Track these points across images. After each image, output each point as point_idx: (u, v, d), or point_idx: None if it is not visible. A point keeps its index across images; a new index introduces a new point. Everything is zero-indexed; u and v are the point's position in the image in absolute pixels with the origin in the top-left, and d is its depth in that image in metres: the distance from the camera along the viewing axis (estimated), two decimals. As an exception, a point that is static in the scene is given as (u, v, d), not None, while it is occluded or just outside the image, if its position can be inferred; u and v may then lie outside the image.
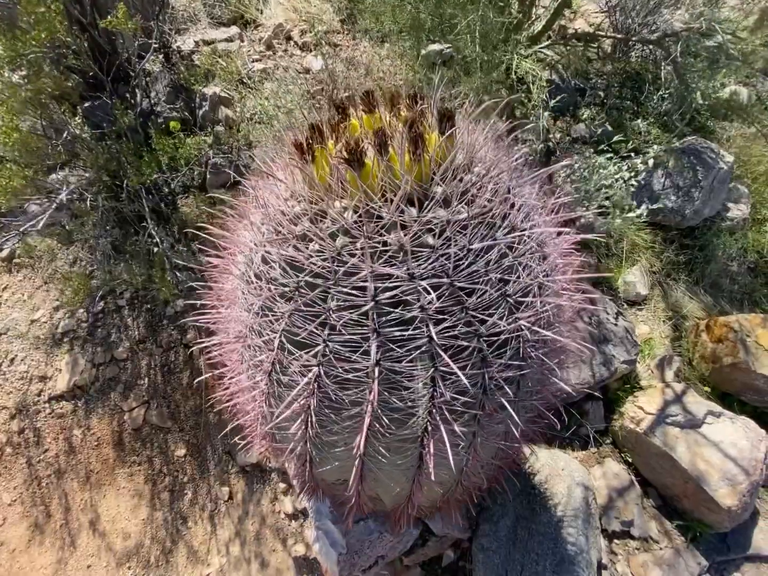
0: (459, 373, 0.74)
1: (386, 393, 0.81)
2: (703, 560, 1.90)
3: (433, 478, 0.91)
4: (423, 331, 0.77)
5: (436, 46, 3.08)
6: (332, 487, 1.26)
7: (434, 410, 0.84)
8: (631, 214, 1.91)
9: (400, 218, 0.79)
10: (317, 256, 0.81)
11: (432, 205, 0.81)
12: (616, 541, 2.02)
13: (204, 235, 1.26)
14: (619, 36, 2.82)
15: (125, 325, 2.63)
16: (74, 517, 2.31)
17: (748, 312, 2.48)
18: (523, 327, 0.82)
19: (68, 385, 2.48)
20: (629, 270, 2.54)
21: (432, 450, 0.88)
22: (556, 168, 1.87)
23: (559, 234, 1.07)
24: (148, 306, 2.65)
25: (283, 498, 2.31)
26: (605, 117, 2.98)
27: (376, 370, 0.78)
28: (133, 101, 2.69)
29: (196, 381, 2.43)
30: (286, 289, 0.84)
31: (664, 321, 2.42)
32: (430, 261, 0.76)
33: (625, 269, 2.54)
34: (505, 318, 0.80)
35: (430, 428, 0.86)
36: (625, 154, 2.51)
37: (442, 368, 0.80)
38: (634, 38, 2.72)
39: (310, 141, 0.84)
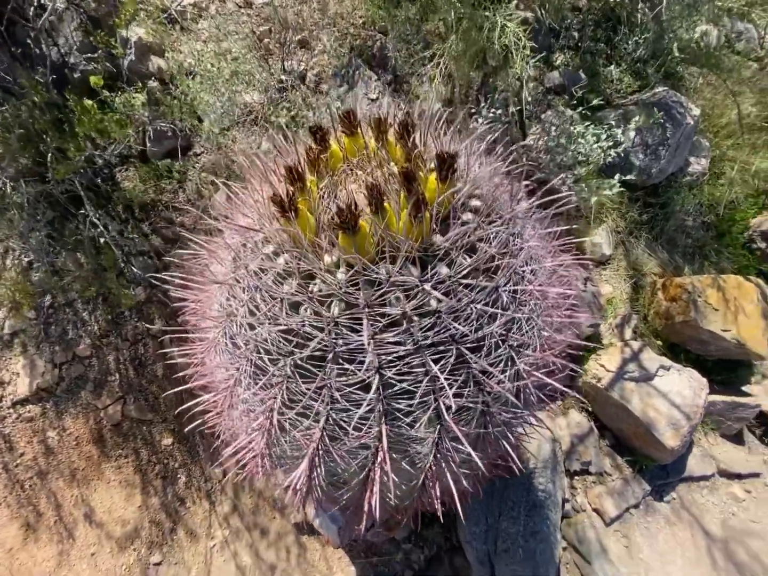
0: (463, 441, 0.73)
1: (394, 455, 0.79)
2: (646, 486, 2.23)
3: (436, 495, 0.95)
4: (430, 398, 0.74)
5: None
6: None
7: (439, 455, 0.84)
8: (607, 192, 1.88)
9: (401, 280, 0.71)
10: (311, 324, 0.73)
11: (435, 263, 0.73)
12: (576, 477, 2.31)
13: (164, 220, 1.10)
14: (598, -32, 2.55)
15: (81, 320, 2.41)
16: (67, 512, 2.30)
17: (698, 265, 2.65)
18: (523, 374, 0.81)
19: (30, 388, 2.31)
20: (596, 231, 2.58)
21: (434, 480, 0.90)
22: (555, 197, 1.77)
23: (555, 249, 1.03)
24: (104, 297, 2.42)
25: (278, 470, 2.40)
26: (579, 63, 2.80)
27: (384, 440, 0.75)
28: (38, 51, 2.18)
29: (167, 392, 2.33)
30: (279, 360, 0.76)
31: (625, 279, 2.53)
32: (436, 329, 0.71)
33: (592, 230, 2.58)
34: (508, 370, 0.78)
35: (434, 467, 0.88)
36: (599, 111, 2.41)
37: (448, 420, 0.79)
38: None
39: (291, 194, 0.70)
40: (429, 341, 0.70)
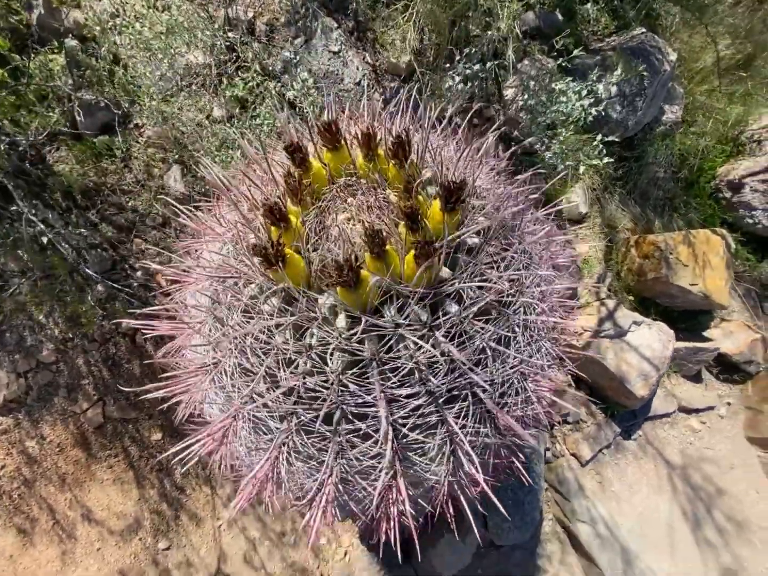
0: (478, 475, 0.72)
1: (409, 490, 0.78)
2: (617, 428, 2.43)
3: (449, 511, 0.97)
4: (446, 440, 0.71)
5: None
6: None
7: (453, 481, 0.84)
8: (596, 162, 1.81)
9: (409, 329, 0.64)
10: (312, 379, 0.66)
11: (443, 303, 0.66)
12: (555, 427, 2.48)
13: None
14: None
15: (38, 323, 2.20)
16: (62, 515, 2.27)
17: (668, 218, 2.69)
18: (533, 398, 0.79)
19: (-4, 401, 2.15)
20: (572, 189, 2.54)
21: (447, 498, 0.91)
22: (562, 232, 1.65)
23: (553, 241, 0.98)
24: (58, 297, 2.21)
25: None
26: (555, 1, 2.57)
27: (400, 483, 0.73)
28: None
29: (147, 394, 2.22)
30: (282, 417, 0.69)
31: (600, 237, 2.56)
32: (450, 376, 0.66)
33: (568, 188, 2.54)
34: (520, 396, 0.76)
35: (446, 490, 0.88)
36: (577, 58, 2.26)
37: (462, 458, 0.78)
38: None
39: (277, 244, 0.59)
40: (444, 388, 0.65)
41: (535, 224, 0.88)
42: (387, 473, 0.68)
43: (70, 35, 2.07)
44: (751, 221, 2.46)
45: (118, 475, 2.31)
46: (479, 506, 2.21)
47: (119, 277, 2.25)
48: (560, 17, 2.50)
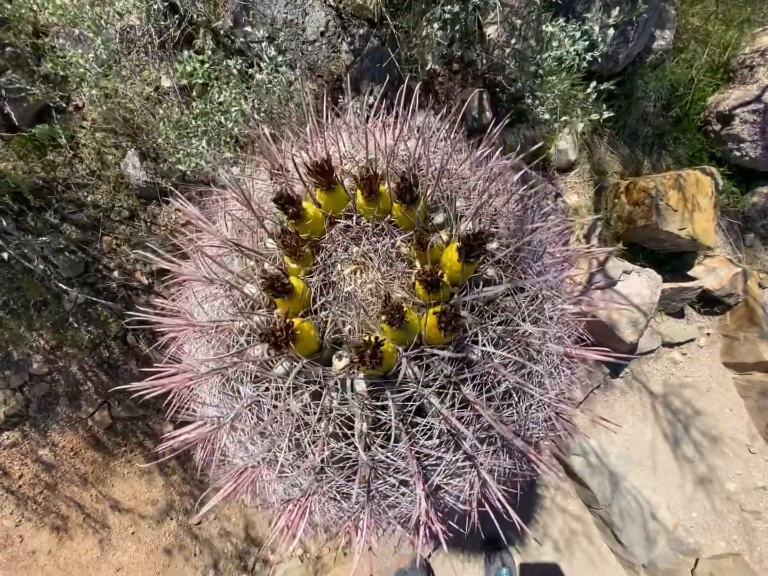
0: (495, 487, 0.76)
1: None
2: (606, 369, 2.58)
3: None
4: (472, 472, 0.72)
5: None
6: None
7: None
8: (595, 116, 1.68)
9: (433, 387, 0.61)
10: (337, 444, 0.64)
11: (465, 350, 0.63)
12: (549, 374, 2.62)
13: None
14: None
15: (20, 337, 2.10)
16: (92, 509, 2.37)
17: (656, 156, 2.62)
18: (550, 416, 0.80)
19: (-3, 417, 2.11)
20: (561, 135, 2.42)
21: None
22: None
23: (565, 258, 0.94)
24: (35, 308, 2.08)
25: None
26: None
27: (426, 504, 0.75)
28: None
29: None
30: (305, 467, 0.69)
31: (590, 184, 2.49)
32: (475, 426, 0.65)
33: (558, 135, 2.41)
34: (539, 425, 0.77)
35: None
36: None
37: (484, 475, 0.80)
38: None
39: (287, 329, 0.53)
40: (472, 440, 0.65)
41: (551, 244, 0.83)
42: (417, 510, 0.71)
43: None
44: (738, 154, 2.41)
45: (139, 468, 2.38)
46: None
47: (95, 279, 2.11)
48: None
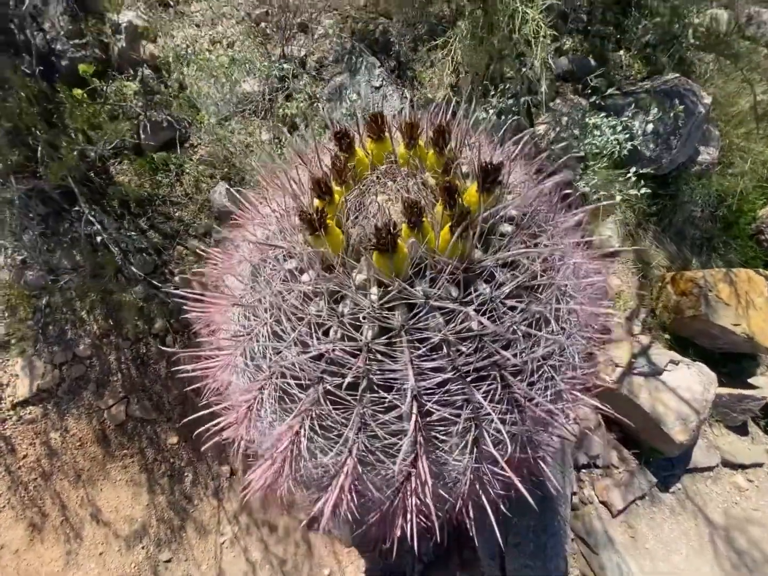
0: (504, 466, 0.69)
1: (429, 480, 0.75)
2: (652, 477, 2.23)
3: (467, 513, 0.91)
4: (471, 425, 0.69)
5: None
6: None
7: (475, 480, 0.79)
8: (633, 191, 1.81)
9: (439, 304, 0.65)
10: (343, 349, 0.66)
11: (475, 282, 0.67)
12: (583, 471, 2.31)
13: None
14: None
15: (80, 319, 2.32)
16: (73, 513, 2.26)
17: (706, 258, 2.61)
18: (563, 394, 0.76)
19: (31, 389, 2.23)
20: (604, 222, 2.52)
21: (467, 500, 0.86)
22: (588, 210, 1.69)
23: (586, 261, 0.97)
24: (102, 296, 2.34)
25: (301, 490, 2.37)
26: (588, 47, 2.69)
27: (421, 467, 0.70)
28: (22, 37, 2.04)
29: (172, 392, 2.27)
30: (309, 384, 0.70)
31: (633, 273, 2.49)
32: (478, 354, 0.65)
33: (600, 222, 2.52)
34: (549, 390, 0.74)
35: (468, 490, 0.83)
36: (609, 99, 2.32)
37: (485, 447, 0.75)
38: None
39: (321, 211, 0.63)
40: (471, 367, 0.64)
41: (565, 216, 0.88)
42: (410, 445, 0.66)
43: (145, 65, 2.34)
44: (797, 265, 2.34)
45: (131, 477, 2.31)
46: (498, 550, 2.04)
47: (159, 280, 2.36)
48: (593, 62, 2.60)
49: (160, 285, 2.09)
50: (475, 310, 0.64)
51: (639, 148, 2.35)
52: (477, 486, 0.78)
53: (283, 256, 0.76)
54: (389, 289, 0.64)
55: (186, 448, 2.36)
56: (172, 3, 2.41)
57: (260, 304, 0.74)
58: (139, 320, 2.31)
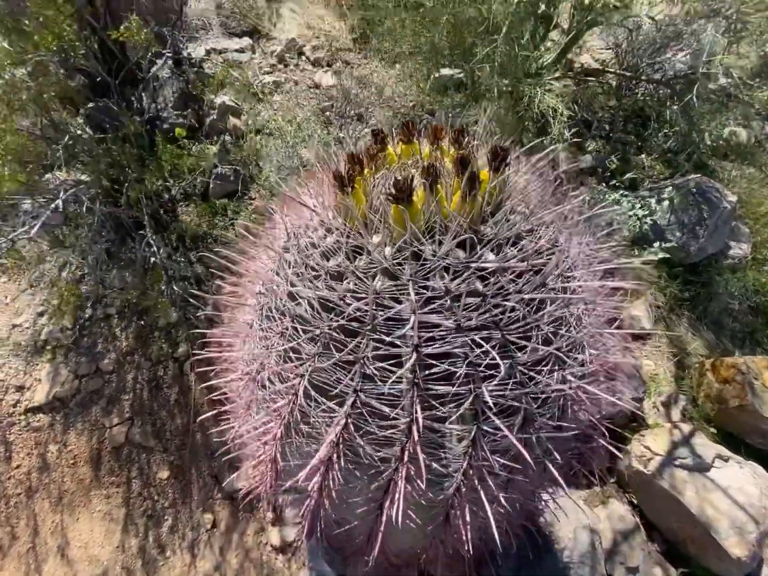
0: (509, 435, 0.63)
1: (422, 453, 0.69)
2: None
3: (463, 537, 0.78)
4: (469, 388, 0.66)
5: (447, 71, 3.05)
6: (339, 537, 1.12)
7: (471, 471, 0.72)
8: (651, 257, 1.84)
9: (447, 261, 0.69)
10: (353, 296, 0.70)
11: (482, 249, 0.71)
12: (620, 589, 1.89)
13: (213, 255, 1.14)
14: (627, 74, 2.82)
15: (113, 335, 2.45)
16: (42, 541, 2.09)
17: (749, 351, 2.43)
18: (572, 384, 0.71)
19: (47, 396, 2.28)
20: (634, 304, 2.48)
21: (463, 511, 0.75)
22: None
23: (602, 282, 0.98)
24: (139, 316, 2.49)
25: (270, 529, 2.13)
26: (610, 150, 2.96)
27: (414, 428, 0.66)
28: (139, 105, 2.57)
29: (197, 419, 2.25)
30: (316, 331, 0.72)
31: (668, 357, 2.35)
32: (480, 311, 0.65)
33: (629, 303, 2.48)
34: (555, 375, 0.70)
35: (463, 489, 0.74)
36: (630, 185, 2.47)
37: (485, 428, 0.69)
38: (641, 77, 2.72)
39: (351, 172, 0.73)
40: (472, 323, 0.64)
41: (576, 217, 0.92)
42: (404, 386, 0.63)
43: (227, 133, 2.83)
44: None
45: (110, 510, 2.16)
46: None
47: (193, 307, 2.50)
48: (616, 161, 2.85)
49: (194, 303, 2.21)
50: (478, 269, 0.67)
51: (663, 233, 2.42)
52: (475, 481, 0.70)
53: (316, 226, 0.84)
54: (402, 245, 0.70)
55: (174, 486, 2.22)
56: (258, 93, 3.00)
57: (284, 258, 0.80)
58: (165, 342, 2.40)
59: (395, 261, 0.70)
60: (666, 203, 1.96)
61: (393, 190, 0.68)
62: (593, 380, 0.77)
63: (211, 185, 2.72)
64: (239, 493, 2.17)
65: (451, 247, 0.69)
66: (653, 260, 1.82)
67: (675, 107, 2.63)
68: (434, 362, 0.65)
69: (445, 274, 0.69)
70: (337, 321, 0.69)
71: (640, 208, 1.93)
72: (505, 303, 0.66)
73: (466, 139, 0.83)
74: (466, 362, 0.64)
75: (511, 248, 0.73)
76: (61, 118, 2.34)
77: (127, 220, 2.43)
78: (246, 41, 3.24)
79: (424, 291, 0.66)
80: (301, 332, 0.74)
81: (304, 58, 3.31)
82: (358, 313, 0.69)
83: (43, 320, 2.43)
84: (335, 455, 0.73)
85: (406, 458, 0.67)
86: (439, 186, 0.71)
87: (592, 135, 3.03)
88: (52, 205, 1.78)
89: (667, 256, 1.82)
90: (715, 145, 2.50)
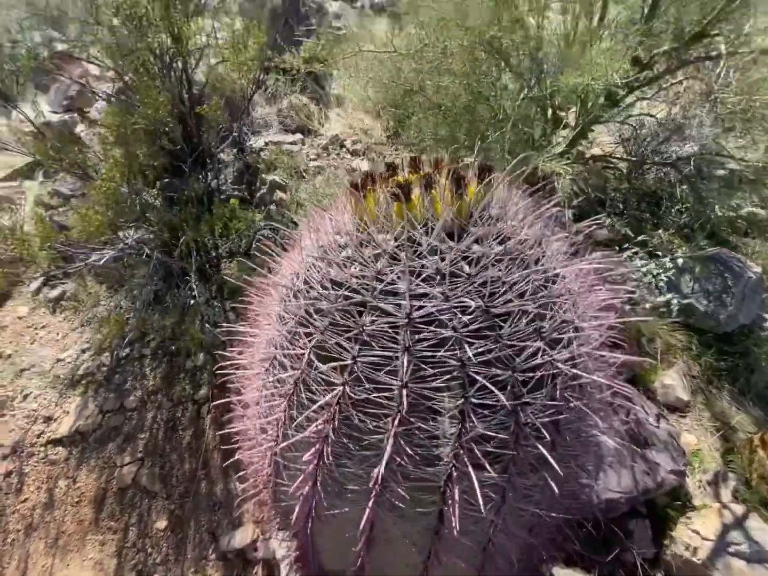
0: (498, 394, 0.64)
1: (411, 422, 0.70)
2: None
3: (455, 533, 0.73)
4: (455, 353, 0.70)
5: (468, 160, 3.45)
6: (332, 558, 1.03)
7: (462, 452, 0.71)
8: (661, 300, 1.83)
9: (437, 245, 0.79)
10: (359, 273, 0.80)
11: (469, 238, 0.81)
12: None
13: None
14: (634, 159, 3.08)
15: (143, 374, 2.57)
16: (26, 588, 1.97)
17: (808, 432, 2.17)
18: (559, 366, 0.73)
19: (70, 429, 2.34)
20: (666, 372, 2.35)
21: (456, 500, 0.72)
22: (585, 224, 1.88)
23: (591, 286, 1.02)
24: (170, 357, 2.62)
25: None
26: (625, 224, 3.09)
27: (404, 392, 0.69)
28: (204, 180, 3.06)
29: (206, 467, 2.24)
30: (324, 303, 0.81)
31: (711, 432, 2.13)
32: (465, 285, 0.74)
33: (660, 371, 2.35)
34: (540, 353, 0.72)
35: (455, 474, 0.72)
36: (649, 251, 2.53)
37: (473, 399, 0.71)
38: (648, 162, 2.96)
39: (365, 182, 0.90)
40: (458, 292, 0.72)
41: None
42: (398, 349, 0.68)
43: (273, 203, 3.25)
44: None
45: (102, 560, 2.04)
46: None
47: (221, 351, 2.62)
48: (632, 234, 2.96)
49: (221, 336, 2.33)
50: (464, 251, 0.77)
51: (690, 303, 2.39)
52: (465, 461, 0.69)
53: (335, 233, 0.99)
54: (401, 232, 0.82)
55: (169, 539, 2.10)
56: (304, 174, 3.49)
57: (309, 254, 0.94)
58: (189, 383, 2.48)
59: (395, 246, 0.81)
60: (680, 261, 1.99)
61: (396, 190, 0.83)
62: (582, 361, 0.78)
63: (253, 245, 3.04)
64: (233, 554, 2.00)
65: (441, 233, 0.80)
66: (664, 311, 1.79)
67: (684, 187, 2.80)
68: (423, 327, 0.71)
69: (435, 256, 0.78)
70: (343, 293, 0.78)
71: (655, 266, 1.98)
72: (485, 279, 0.73)
73: (459, 164, 0.99)
74: (452, 328, 0.70)
75: (494, 241, 0.83)
76: (142, 186, 2.82)
77: (177, 269, 2.73)
78: (298, 136, 3.88)
79: (417, 267, 0.76)
80: (311, 306, 0.84)
81: (344, 149, 3.88)
82: (362, 287, 0.78)
83: (85, 356, 2.61)
84: (331, 426, 0.75)
85: (395, 424, 0.69)
86: (433, 191, 0.85)
87: (606, 212, 3.20)
88: (122, 244, 2.06)
89: (679, 318, 1.80)
90: (728, 219, 2.58)
